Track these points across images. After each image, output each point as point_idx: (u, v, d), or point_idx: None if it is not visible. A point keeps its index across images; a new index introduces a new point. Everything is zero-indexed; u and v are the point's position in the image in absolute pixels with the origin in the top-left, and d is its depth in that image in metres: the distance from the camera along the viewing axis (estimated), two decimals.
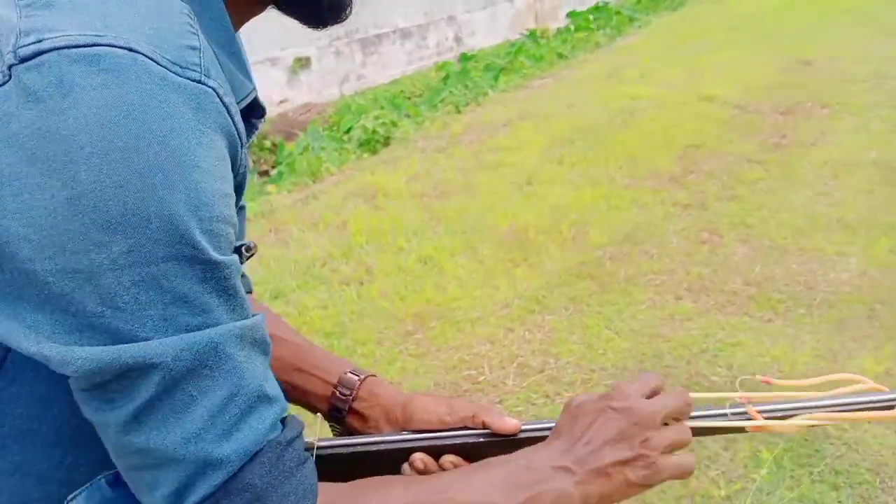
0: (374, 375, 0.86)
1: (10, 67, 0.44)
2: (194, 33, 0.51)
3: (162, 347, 0.48)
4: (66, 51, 0.45)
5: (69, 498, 0.56)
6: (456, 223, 3.84)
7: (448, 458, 0.74)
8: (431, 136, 5.60)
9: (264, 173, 6.24)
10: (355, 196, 4.35)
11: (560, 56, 8.10)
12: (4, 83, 0.44)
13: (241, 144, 0.54)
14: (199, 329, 0.49)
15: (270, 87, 7.54)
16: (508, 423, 0.74)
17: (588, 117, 5.35)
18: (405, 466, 0.74)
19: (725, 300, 3.00)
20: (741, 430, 0.72)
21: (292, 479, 0.54)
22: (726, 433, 0.74)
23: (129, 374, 0.48)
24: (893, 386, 2.20)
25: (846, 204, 3.70)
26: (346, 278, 3.36)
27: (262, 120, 0.66)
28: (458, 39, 9.81)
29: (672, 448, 0.65)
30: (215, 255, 0.49)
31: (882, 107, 4.99)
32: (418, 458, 0.73)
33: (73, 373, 0.48)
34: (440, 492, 0.62)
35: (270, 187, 4.82)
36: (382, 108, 6.47)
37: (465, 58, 8.34)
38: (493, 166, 4.63)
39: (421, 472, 0.73)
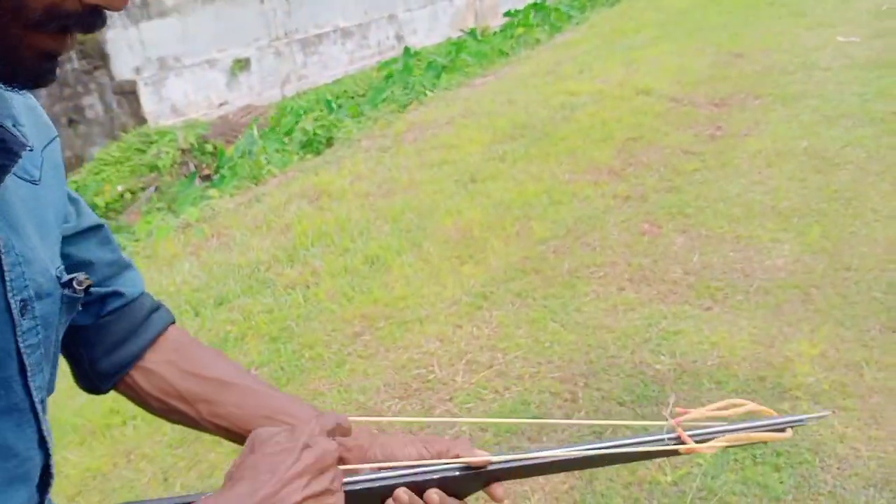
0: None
1: None
2: None
3: None
4: None
5: None
6: (401, 222, 3.84)
7: (432, 492, 0.74)
8: (375, 135, 5.58)
9: (206, 178, 6.14)
10: (299, 198, 4.31)
11: (501, 53, 8.17)
12: None
13: None
14: None
15: (209, 90, 7.42)
16: (478, 454, 0.75)
17: (529, 114, 5.41)
18: (389, 502, 0.74)
19: (666, 289, 3.07)
20: (675, 452, 0.77)
21: None
22: (661, 456, 0.80)
23: None
24: (828, 368, 2.26)
25: (779, 192, 3.82)
26: (291, 282, 3.33)
27: (9, 158, 0.61)
28: (399, 38, 9.80)
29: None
30: None
31: (812, 97, 5.15)
32: (402, 492, 0.73)
33: None
34: None
35: (212, 191, 4.75)
36: (323, 109, 6.43)
37: (408, 53, 8.34)
38: (437, 164, 4.64)
39: None
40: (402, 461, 0.77)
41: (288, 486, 0.61)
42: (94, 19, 0.54)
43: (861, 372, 2.46)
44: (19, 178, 0.68)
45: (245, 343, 2.90)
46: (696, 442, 0.77)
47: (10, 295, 0.64)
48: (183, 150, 6.34)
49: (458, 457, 0.75)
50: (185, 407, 0.85)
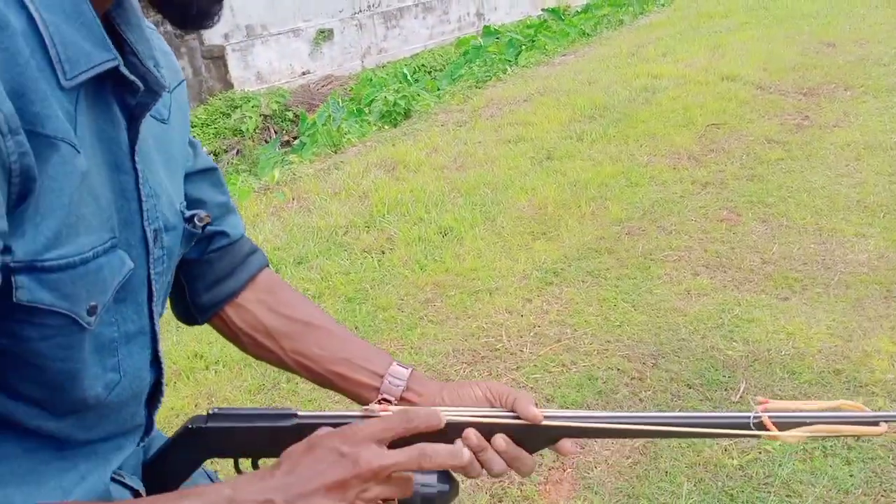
0: (414, 368, 0.91)
1: None
2: None
3: None
4: None
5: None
6: (475, 196, 3.88)
7: (499, 437, 0.77)
8: (452, 109, 5.61)
9: (286, 143, 6.29)
10: (376, 167, 4.39)
11: (583, 34, 8.07)
12: None
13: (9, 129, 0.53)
14: None
15: (293, 58, 7.57)
16: (532, 411, 0.76)
17: (609, 95, 5.35)
18: (458, 442, 0.76)
19: (742, 277, 3.03)
20: (755, 436, 0.77)
21: None
22: (737, 437, 0.80)
23: None
24: None
25: (867, 186, 3.70)
26: (367, 246, 3.41)
27: (151, 97, 0.67)
28: (479, 15, 9.78)
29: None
30: None
31: None
32: (472, 433, 0.76)
33: None
34: None
35: (293, 157, 4.87)
36: (402, 81, 6.49)
37: (487, 31, 8.31)
38: (514, 141, 4.65)
39: (473, 448, 0.76)
40: (468, 405, 0.81)
41: (313, 493, 0.61)
42: None
43: None
44: (152, 117, 0.74)
45: (322, 301, 2.99)
46: (780, 429, 0.75)
47: (146, 224, 0.69)
48: (265, 116, 6.50)
49: (512, 409, 0.78)
50: (270, 343, 0.91)
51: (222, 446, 0.78)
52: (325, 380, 0.90)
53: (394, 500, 0.66)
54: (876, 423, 0.77)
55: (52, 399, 0.64)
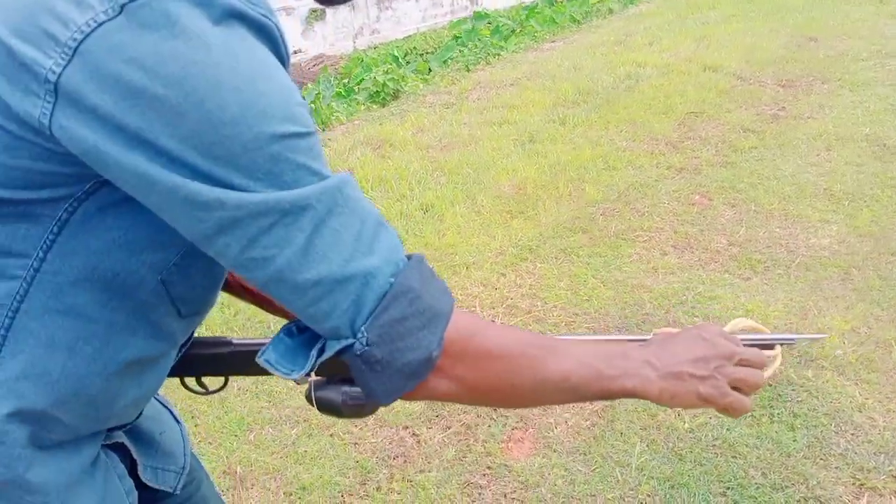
0: None
1: (122, 6, 0.58)
2: None
3: (307, 192, 0.62)
4: None
5: (259, 354, 0.71)
6: (458, 175, 3.99)
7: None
8: (440, 91, 5.71)
9: None
10: (363, 145, 4.49)
11: (573, 20, 8.16)
12: (115, 17, 0.58)
13: (286, 66, 0.68)
14: (322, 180, 0.64)
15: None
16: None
17: (593, 81, 5.46)
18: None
19: (708, 258, 3.16)
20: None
21: (435, 280, 0.71)
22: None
23: (284, 220, 0.62)
24: (857, 343, 2.35)
25: (835, 175, 3.84)
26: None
27: None
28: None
29: (740, 384, 0.80)
30: (310, 128, 0.65)
31: (881, 84, 5.09)
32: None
33: (237, 210, 0.61)
34: (557, 342, 0.78)
35: None
36: (392, 62, 6.56)
37: (478, 15, 8.39)
38: (498, 123, 4.76)
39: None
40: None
41: (682, 361, 0.79)
42: None
43: (890, 350, 2.53)
44: None
45: None
46: None
47: None
48: None
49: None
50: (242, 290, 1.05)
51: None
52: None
53: (745, 388, 0.81)
54: (772, 347, 0.90)
55: (203, 299, 0.79)
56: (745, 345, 0.87)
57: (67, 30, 0.57)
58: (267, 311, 1.05)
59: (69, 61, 0.57)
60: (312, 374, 0.72)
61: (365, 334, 0.66)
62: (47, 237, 0.66)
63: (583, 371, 0.76)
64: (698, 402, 0.79)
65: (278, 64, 0.64)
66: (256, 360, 0.70)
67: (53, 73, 0.57)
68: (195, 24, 0.58)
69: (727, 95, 5.06)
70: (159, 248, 0.70)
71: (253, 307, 1.07)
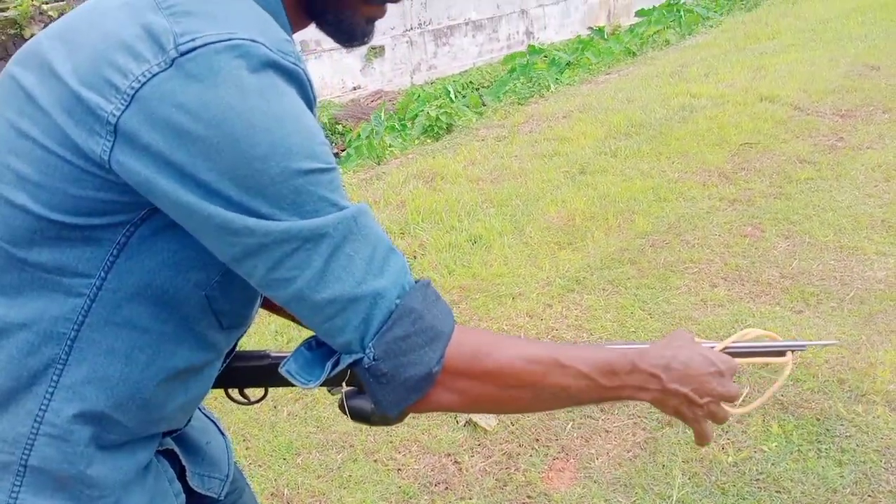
0: None
1: (173, 60, 0.68)
2: (284, 32, 0.77)
3: (326, 221, 0.71)
4: (212, 45, 0.68)
5: (281, 365, 0.79)
6: (507, 206, 4.05)
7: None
8: (493, 125, 5.80)
9: (335, 155, 6.54)
10: (415, 178, 4.59)
11: (629, 52, 8.19)
12: (166, 69, 0.68)
13: (312, 108, 0.78)
14: (339, 210, 0.73)
15: (344, 74, 7.87)
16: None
17: (646, 112, 5.47)
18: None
19: (759, 290, 3.13)
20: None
21: (439, 302, 0.79)
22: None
23: (305, 246, 0.71)
24: None
25: (893, 206, 3.75)
26: (401, 251, 3.60)
27: None
28: (528, 33, 9.96)
29: (711, 417, 0.90)
30: (331, 164, 0.74)
31: None
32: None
33: (265, 237, 0.70)
34: (559, 353, 0.83)
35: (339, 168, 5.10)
36: (445, 97, 6.69)
37: (532, 49, 8.49)
38: (549, 155, 4.80)
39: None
40: None
41: (686, 382, 0.86)
42: None
43: None
44: None
45: None
46: None
47: None
48: None
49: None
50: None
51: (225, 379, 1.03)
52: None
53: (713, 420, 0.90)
54: (783, 354, 0.93)
55: (241, 313, 0.88)
56: (757, 351, 0.93)
57: (126, 79, 0.68)
58: (298, 323, 1.14)
59: (127, 106, 0.68)
60: (344, 384, 0.82)
61: (372, 349, 0.75)
62: (108, 259, 0.76)
63: (582, 384, 0.82)
64: (672, 413, 0.87)
65: (305, 108, 0.74)
66: (279, 370, 0.79)
67: (114, 116, 0.68)
68: (234, 73, 0.68)
69: (783, 126, 5.00)
70: (203, 267, 0.79)
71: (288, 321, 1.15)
